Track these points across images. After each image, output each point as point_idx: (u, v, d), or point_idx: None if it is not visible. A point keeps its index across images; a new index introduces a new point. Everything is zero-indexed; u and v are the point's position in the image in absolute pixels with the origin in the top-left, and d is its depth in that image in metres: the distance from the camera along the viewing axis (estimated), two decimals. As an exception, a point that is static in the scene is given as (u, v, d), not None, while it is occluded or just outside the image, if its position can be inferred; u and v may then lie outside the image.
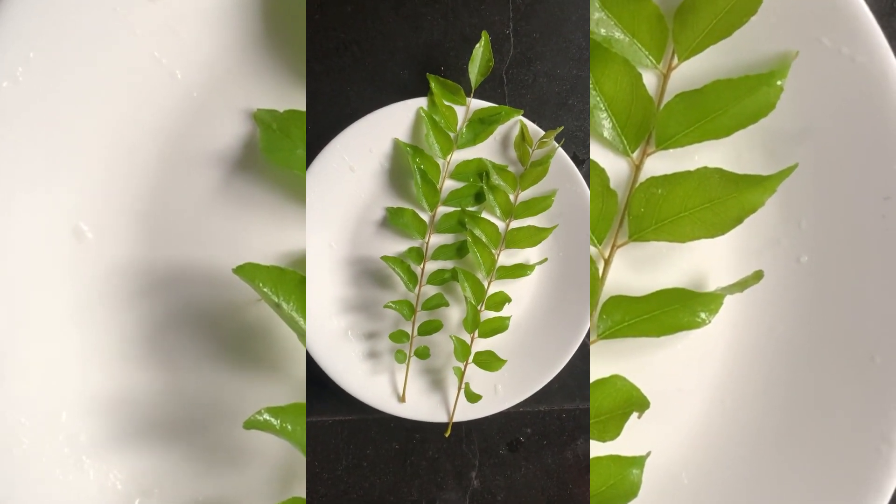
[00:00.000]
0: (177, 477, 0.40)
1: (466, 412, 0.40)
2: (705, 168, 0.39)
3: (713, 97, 0.39)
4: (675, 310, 0.40)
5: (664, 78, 0.41)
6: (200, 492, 0.40)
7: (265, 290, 0.36)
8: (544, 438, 0.43)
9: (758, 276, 0.40)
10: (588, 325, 0.40)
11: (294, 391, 0.40)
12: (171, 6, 0.38)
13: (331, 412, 0.42)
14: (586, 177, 0.40)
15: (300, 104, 0.39)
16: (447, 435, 0.42)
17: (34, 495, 0.38)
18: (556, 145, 0.39)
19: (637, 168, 0.41)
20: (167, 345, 0.40)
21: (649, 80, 0.40)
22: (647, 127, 0.40)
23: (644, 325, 0.40)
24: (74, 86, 0.38)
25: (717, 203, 0.39)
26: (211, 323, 0.40)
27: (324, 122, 0.40)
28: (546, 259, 0.40)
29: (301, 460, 0.39)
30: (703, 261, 0.42)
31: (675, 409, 0.42)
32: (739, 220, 0.39)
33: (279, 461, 0.40)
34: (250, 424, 0.36)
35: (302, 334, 0.37)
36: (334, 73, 0.41)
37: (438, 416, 0.40)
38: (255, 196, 0.40)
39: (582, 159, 0.42)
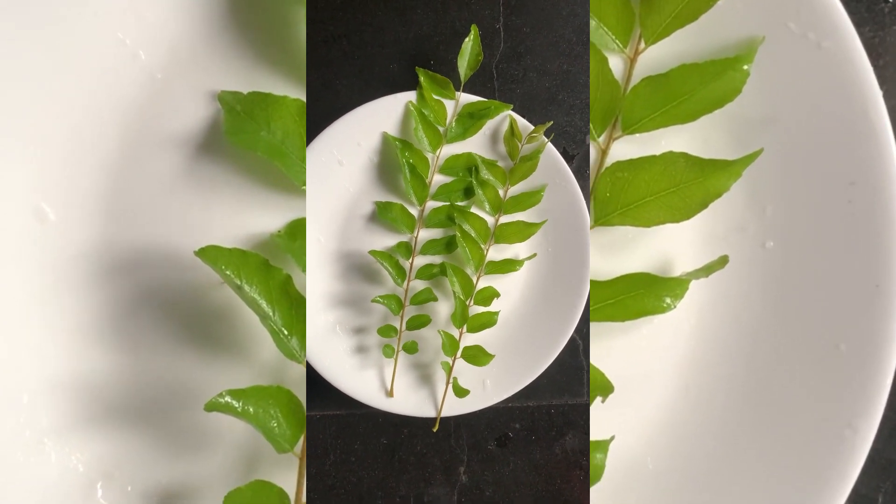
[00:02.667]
0: (139, 460, 0.40)
1: (454, 407, 0.40)
2: (671, 152, 0.39)
3: (679, 81, 0.39)
4: (640, 294, 0.40)
5: (631, 62, 0.40)
6: (163, 475, 0.40)
7: (227, 272, 0.36)
8: (533, 434, 0.43)
9: (723, 261, 0.40)
10: (577, 321, 0.39)
11: (256, 374, 0.40)
12: (134, -14, 0.38)
13: (319, 407, 0.42)
14: (578, 172, 0.40)
15: (265, 86, 0.39)
16: (435, 430, 0.42)
17: (-6, 478, 0.37)
18: (546, 140, 0.39)
19: (603, 152, 0.41)
20: (130, 327, 0.39)
21: (616, 64, 0.40)
22: (613, 111, 0.40)
23: (609, 310, 0.40)
24: (36, 66, 0.38)
25: (683, 188, 0.39)
26: (173, 305, 0.40)
27: (312, 115, 0.40)
28: (535, 254, 0.40)
29: (264, 444, 0.39)
30: (669, 246, 0.42)
31: (640, 393, 0.42)
32: (705, 205, 0.39)
33: (242, 445, 0.40)
34: (212, 406, 0.35)
35: (264, 317, 0.37)
36: (323, 66, 0.41)
37: (426, 411, 0.40)
38: (218, 178, 0.39)
39: (572, 154, 0.42)
